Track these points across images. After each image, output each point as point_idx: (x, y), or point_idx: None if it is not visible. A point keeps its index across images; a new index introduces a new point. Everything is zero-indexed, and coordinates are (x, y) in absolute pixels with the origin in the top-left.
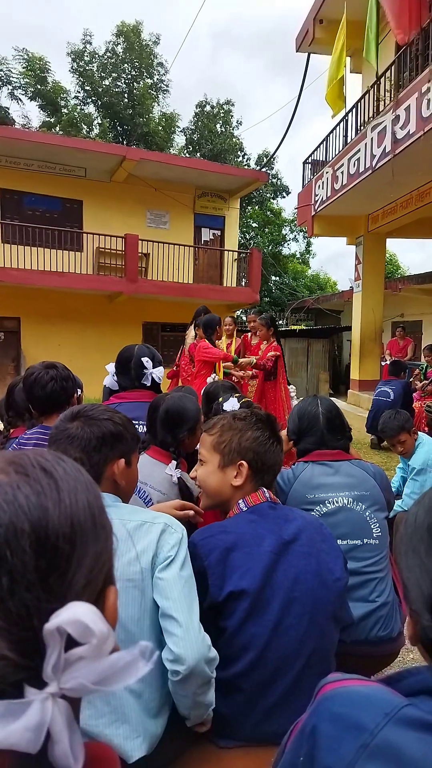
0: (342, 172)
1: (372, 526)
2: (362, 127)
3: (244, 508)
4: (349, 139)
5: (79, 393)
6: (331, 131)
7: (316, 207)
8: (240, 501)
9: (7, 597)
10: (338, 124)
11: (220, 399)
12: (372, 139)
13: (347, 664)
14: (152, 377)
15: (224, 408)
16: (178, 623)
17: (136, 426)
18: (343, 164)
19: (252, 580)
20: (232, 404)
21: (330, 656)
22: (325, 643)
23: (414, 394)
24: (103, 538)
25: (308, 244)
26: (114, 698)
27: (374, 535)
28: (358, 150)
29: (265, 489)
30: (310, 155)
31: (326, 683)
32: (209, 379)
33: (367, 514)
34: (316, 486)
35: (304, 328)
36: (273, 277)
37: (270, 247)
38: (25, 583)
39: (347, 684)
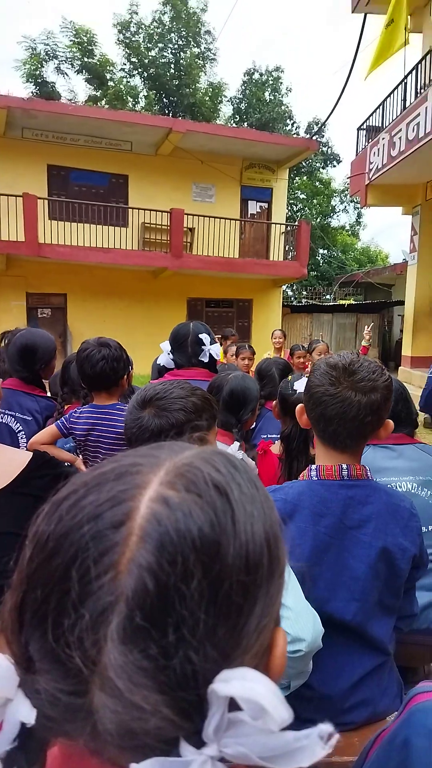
0: (400, 138)
1: None
2: (422, 90)
3: (315, 477)
4: (407, 103)
5: (130, 371)
6: (389, 95)
7: (370, 175)
8: (313, 467)
9: (173, 654)
10: (396, 87)
11: (289, 378)
12: None
13: (406, 653)
14: (210, 354)
15: (294, 387)
16: (288, 607)
17: None
18: (401, 129)
19: (299, 557)
20: (302, 383)
21: (379, 643)
22: (375, 631)
23: None
24: (277, 576)
25: (359, 216)
26: None
27: None
28: (418, 114)
29: (344, 465)
30: (365, 121)
31: (418, 692)
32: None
33: None
34: (378, 470)
35: (353, 302)
36: (321, 251)
37: (318, 219)
38: (193, 639)
39: None
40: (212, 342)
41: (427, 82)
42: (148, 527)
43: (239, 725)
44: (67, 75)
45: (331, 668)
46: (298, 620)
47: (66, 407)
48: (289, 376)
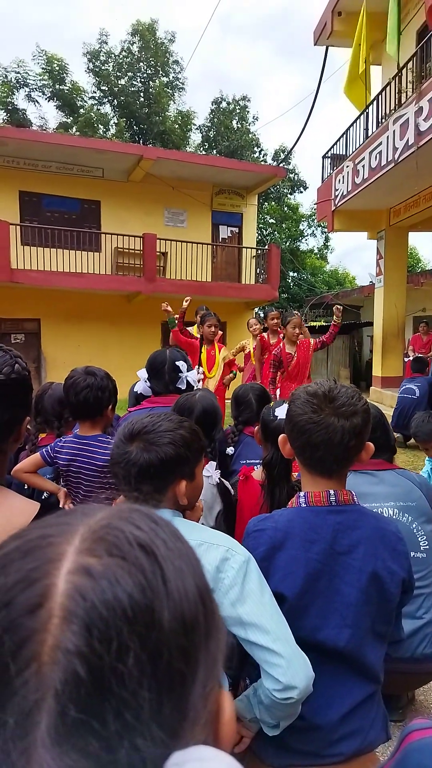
0: (363, 166)
1: (419, 539)
2: (384, 120)
3: (303, 504)
4: (370, 133)
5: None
6: (351, 125)
7: (336, 202)
8: (301, 494)
9: (117, 745)
10: (358, 117)
11: (272, 404)
12: (394, 131)
13: (389, 680)
14: (187, 380)
15: (275, 414)
16: (280, 655)
17: None
18: (364, 158)
19: (292, 585)
20: (283, 410)
21: (371, 671)
22: (368, 658)
23: None
24: (215, 631)
25: (326, 239)
26: None
27: (421, 548)
28: (380, 143)
29: (332, 491)
30: (330, 149)
31: (413, 730)
32: (192, 374)
33: (414, 526)
34: (360, 496)
35: (324, 324)
36: (291, 273)
37: (287, 243)
38: (138, 723)
39: None
40: (189, 369)
41: (387, 112)
42: (71, 605)
43: None
44: (38, 102)
45: (323, 698)
46: (290, 667)
47: (40, 438)
48: (271, 402)
